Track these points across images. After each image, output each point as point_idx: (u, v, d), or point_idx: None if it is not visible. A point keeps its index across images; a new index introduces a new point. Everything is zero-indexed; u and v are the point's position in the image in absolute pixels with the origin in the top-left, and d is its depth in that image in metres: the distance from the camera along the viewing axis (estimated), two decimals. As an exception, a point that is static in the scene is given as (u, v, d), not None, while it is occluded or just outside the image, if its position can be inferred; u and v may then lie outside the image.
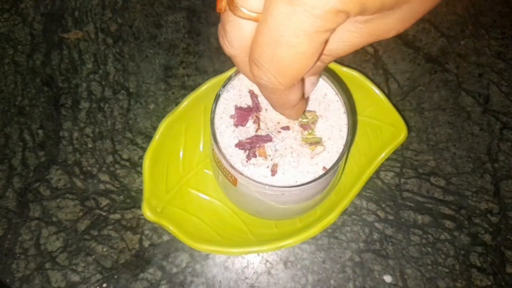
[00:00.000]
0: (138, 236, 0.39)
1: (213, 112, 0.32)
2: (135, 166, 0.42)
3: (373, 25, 0.20)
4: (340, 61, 0.46)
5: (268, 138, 0.32)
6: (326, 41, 0.19)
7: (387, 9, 0.19)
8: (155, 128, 0.40)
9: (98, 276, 0.38)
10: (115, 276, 0.38)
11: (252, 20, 0.20)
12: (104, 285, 0.38)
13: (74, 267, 0.38)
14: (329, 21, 0.17)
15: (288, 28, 0.18)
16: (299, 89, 0.23)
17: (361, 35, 0.20)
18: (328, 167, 0.31)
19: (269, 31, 0.18)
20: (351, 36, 0.20)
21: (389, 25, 0.20)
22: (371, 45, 0.48)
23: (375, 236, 0.40)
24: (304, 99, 0.26)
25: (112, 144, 0.43)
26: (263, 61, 0.20)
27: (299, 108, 0.27)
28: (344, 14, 0.17)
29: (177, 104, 0.41)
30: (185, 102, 0.40)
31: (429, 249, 0.40)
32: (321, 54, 0.20)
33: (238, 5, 0.19)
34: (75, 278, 0.38)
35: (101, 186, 0.41)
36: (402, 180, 0.42)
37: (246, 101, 0.33)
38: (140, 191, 0.41)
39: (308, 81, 0.26)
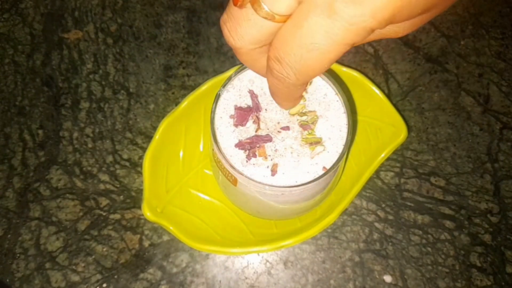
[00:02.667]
0: (138, 236, 0.39)
1: (213, 112, 0.32)
2: (135, 166, 0.42)
3: (388, 29, 0.21)
4: (340, 61, 0.46)
5: (268, 138, 0.32)
6: None
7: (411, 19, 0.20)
8: (155, 128, 0.40)
9: (98, 276, 0.38)
10: (115, 276, 0.38)
11: (273, 21, 0.21)
12: (104, 285, 0.38)
13: (74, 267, 0.38)
14: (360, 35, 0.19)
15: (321, 36, 0.19)
16: (306, 85, 0.25)
17: (374, 35, 0.21)
18: (328, 167, 0.31)
19: (302, 36, 0.20)
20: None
21: (401, 28, 0.21)
22: (371, 45, 0.48)
23: (375, 236, 0.40)
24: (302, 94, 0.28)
25: (112, 144, 0.43)
26: (289, 60, 0.21)
27: (299, 100, 0.29)
28: (375, 29, 0.19)
29: (177, 104, 0.41)
30: (185, 102, 0.40)
31: (429, 249, 0.40)
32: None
33: (263, 5, 0.20)
34: (75, 278, 0.38)
35: (101, 186, 0.41)
36: (402, 180, 0.42)
37: (246, 101, 0.33)
38: (140, 191, 0.41)
39: None
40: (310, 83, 0.34)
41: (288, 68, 0.21)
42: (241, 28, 0.22)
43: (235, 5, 0.21)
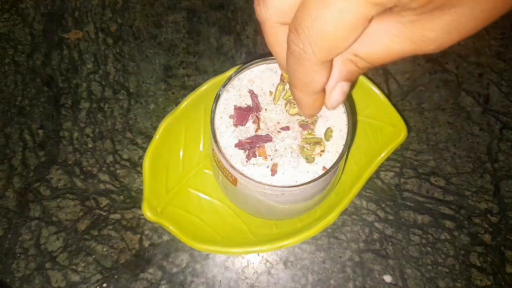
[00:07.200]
0: (138, 236, 0.39)
1: (213, 112, 0.32)
2: (135, 166, 0.42)
3: (415, 29, 0.20)
4: (340, 61, 0.46)
5: (268, 138, 0.31)
6: (370, 21, 0.20)
7: (435, 7, 0.19)
8: (155, 128, 0.40)
9: (98, 276, 0.38)
10: (115, 276, 0.38)
11: None
12: (104, 285, 0.38)
13: (74, 267, 0.38)
14: (380, 4, 0.18)
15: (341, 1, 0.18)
16: (327, 72, 0.23)
17: (401, 40, 0.20)
18: (328, 167, 0.31)
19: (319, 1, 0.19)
20: (390, 40, 0.21)
21: (432, 33, 0.20)
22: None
23: (375, 236, 0.40)
24: (323, 95, 0.26)
25: (112, 144, 0.43)
26: (305, 24, 0.20)
27: (317, 100, 0.26)
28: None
29: (177, 104, 0.41)
30: (185, 102, 0.40)
31: (429, 249, 0.40)
32: (359, 34, 0.20)
33: None
34: (75, 278, 0.38)
35: (101, 186, 0.41)
36: (402, 180, 0.42)
37: (246, 101, 0.33)
38: (140, 191, 0.41)
39: (339, 87, 0.25)
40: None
41: (304, 37, 0.21)
42: None
43: None
